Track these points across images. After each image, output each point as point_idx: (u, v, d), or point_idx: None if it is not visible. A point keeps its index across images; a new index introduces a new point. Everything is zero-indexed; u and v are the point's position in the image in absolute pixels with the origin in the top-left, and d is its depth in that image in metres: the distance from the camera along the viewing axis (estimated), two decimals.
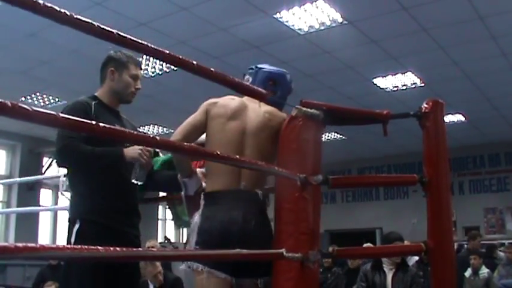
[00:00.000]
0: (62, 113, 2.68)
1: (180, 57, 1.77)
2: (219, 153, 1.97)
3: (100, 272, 2.68)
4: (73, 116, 2.65)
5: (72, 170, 3.00)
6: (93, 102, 2.98)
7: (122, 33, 1.51)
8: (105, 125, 1.44)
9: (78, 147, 2.78)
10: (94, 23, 1.42)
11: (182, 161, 2.75)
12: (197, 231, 2.58)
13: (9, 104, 1.17)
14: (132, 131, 1.64)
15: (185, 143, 2.00)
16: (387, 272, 5.06)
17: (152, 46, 1.64)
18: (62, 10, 1.33)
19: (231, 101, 2.85)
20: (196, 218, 2.63)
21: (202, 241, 2.55)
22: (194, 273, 2.57)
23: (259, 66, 3.03)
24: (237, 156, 2.30)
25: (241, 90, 2.45)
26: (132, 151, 2.84)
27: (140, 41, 1.59)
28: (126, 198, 3.02)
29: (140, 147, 2.83)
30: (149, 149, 2.88)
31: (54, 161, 2.93)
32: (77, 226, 2.82)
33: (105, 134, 1.45)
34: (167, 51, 1.70)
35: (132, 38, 1.56)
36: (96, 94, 3.08)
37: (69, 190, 3.06)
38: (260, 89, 2.47)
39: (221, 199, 2.62)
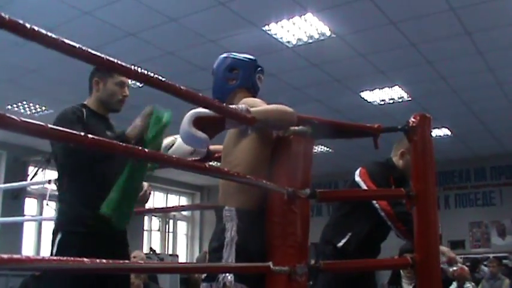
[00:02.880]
0: (54, 122, 2.71)
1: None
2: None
3: (87, 283, 2.63)
4: (66, 123, 2.71)
5: (64, 174, 2.95)
6: (83, 109, 2.98)
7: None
8: (94, 136, 1.39)
9: None
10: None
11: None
12: (236, 248, 2.40)
13: None
14: (122, 143, 1.60)
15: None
16: None
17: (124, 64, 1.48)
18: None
19: None
20: (232, 233, 2.44)
21: (244, 261, 2.37)
22: None
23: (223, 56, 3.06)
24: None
25: (224, 113, 2.29)
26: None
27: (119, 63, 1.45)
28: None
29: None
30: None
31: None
32: (59, 237, 2.80)
33: (94, 146, 1.42)
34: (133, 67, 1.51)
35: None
36: (84, 103, 3.08)
37: (57, 198, 3.02)
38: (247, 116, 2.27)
39: (255, 218, 2.49)
